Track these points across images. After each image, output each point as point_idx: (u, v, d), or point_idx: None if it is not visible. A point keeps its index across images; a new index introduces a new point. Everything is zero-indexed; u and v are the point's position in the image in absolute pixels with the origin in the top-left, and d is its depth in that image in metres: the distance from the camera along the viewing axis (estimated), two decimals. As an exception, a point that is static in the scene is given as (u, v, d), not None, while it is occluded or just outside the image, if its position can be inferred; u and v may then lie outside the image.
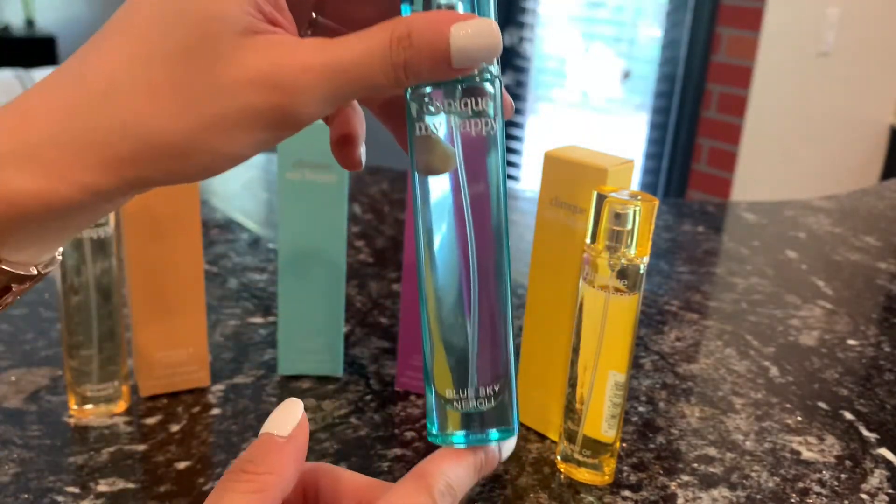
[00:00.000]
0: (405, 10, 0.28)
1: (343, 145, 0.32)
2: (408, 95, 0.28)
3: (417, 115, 0.28)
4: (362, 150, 0.32)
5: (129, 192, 0.26)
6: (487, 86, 0.28)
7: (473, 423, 0.30)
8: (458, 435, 0.30)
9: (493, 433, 0.30)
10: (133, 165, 0.25)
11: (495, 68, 0.29)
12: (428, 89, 0.28)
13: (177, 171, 0.26)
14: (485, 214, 0.29)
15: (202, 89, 0.25)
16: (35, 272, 0.27)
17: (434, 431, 0.30)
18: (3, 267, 0.26)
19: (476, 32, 0.26)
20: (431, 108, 0.28)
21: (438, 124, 0.28)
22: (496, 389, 0.30)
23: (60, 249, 0.29)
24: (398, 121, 0.32)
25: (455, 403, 0.30)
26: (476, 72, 0.28)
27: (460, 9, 0.28)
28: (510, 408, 0.30)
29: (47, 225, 0.25)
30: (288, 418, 0.29)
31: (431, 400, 0.30)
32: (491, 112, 0.28)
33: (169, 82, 0.24)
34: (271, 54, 0.25)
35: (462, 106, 0.28)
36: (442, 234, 0.29)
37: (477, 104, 0.28)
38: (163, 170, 0.25)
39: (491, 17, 0.28)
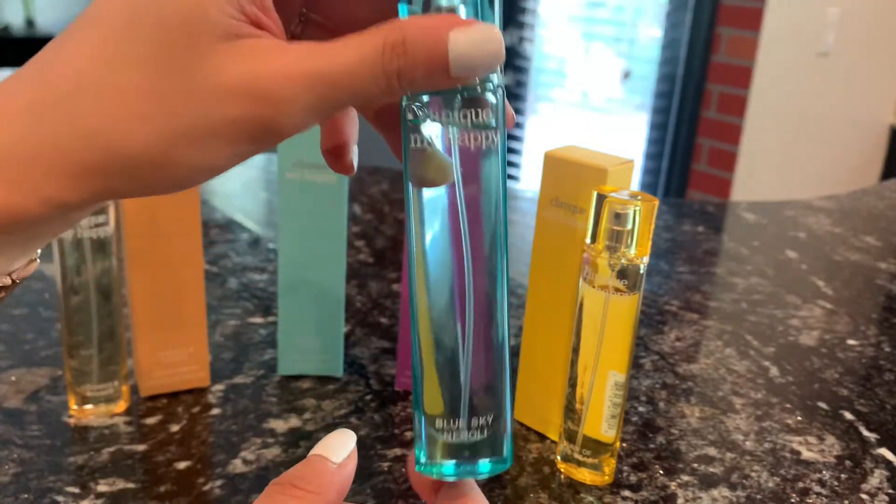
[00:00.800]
0: (402, 10, 0.26)
1: (333, 152, 0.30)
2: (403, 104, 0.26)
3: (413, 126, 0.26)
4: (354, 154, 0.31)
5: (96, 202, 0.24)
6: (489, 96, 0.26)
7: (464, 453, 0.28)
8: (448, 466, 0.28)
9: (485, 464, 0.28)
10: (100, 176, 0.23)
11: (497, 77, 0.27)
12: (425, 98, 0.26)
13: (148, 182, 0.24)
14: (482, 234, 0.27)
15: (177, 96, 0.23)
16: (9, 281, 0.26)
17: (423, 460, 0.28)
18: None
19: (477, 39, 0.23)
20: (428, 119, 0.26)
21: (435, 135, 0.26)
22: (489, 420, 0.28)
23: (37, 254, 0.27)
24: (393, 129, 0.30)
25: (446, 434, 0.28)
26: (477, 80, 0.26)
27: (462, 12, 0.25)
28: (503, 437, 0.29)
29: (13, 236, 0.24)
30: (342, 446, 0.29)
31: (420, 427, 0.28)
32: (492, 123, 0.26)
33: (140, 87, 0.22)
34: (254, 61, 0.23)
35: (461, 117, 0.26)
36: (436, 254, 0.28)
37: (477, 115, 0.26)
38: (133, 181, 0.23)
39: (494, 23, 0.26)
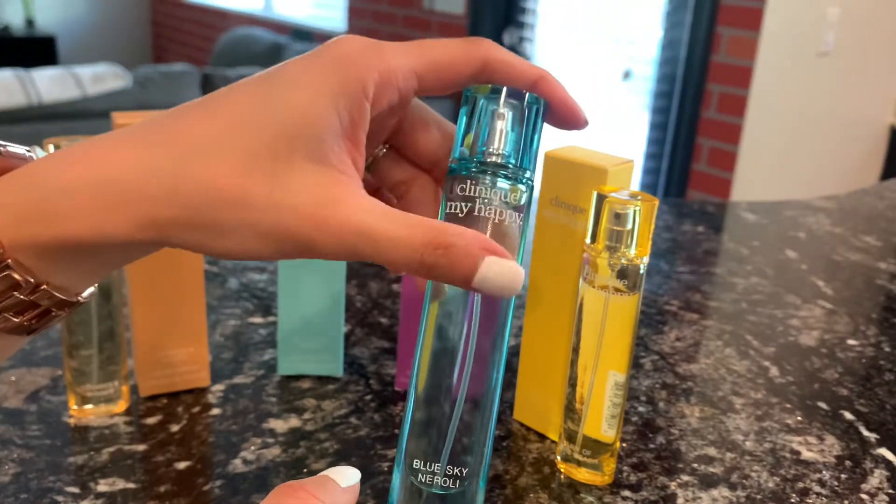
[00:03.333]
0: (459, 127, 0.32)
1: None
2: (443, 200, 0.31)
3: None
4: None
5: (159, 242, 0.28)
6: (525, 189, 0.31)
7: (434, 500, 0.30)
8: None
9: None
10: (174, 226, 0.27)
11: (532, 172, 0.32)
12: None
13: (200, 242, 0.28)
14: (493, 315, 0.30)
15: (259, 189, 0.27)
16: (76, 300, 0.29)
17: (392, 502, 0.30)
18: (52, 291, 0.27)
19: (503, 275, 0.27)
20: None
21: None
22: (463, 472, 0.30)
23: (94, 288, 0.31)
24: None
25: (421, 475, 0.30)
26: (513, 166, 0.31)
27: (509, 140, 0.31)
28: (475, 498, 0.30)
29: (94, 257, 0.28)
30: (351, 476, 0.31)
31: (396, 479, 0.31)
32: (523, 210, 0.31)
33: (235, 171, 0.27)
34: (329, 192, 0.28)
35: (500, 198, 0.31)
36: (446, 314, 0.31)
37: (510, 201, 0.31)
38: (191, 237, 0.28)
39: (533, 161, 0.32)
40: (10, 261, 0.26)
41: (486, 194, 0.30)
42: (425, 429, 0.30)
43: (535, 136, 0.32)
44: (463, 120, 0.32)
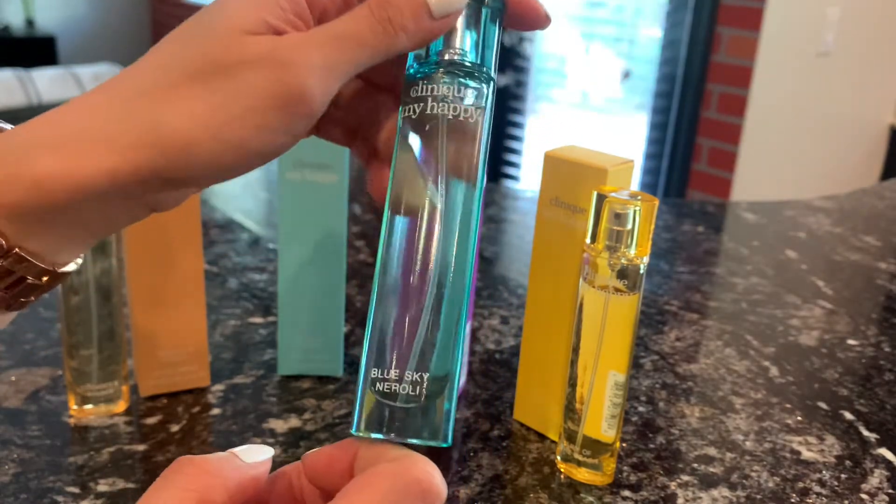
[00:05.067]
0: None
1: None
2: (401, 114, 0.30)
3: (408, 96, 0.30)
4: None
5: (143, 185, 0.27)
6: (480, 84, 0.30)
7: (396, 415, 0.27)
8: (378, 433, 0.27)
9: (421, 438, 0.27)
10: (149, 151, 0.26)
11: (492, 70, 0.30)
12: (419, 75, 0.30)
13: (189, 162, 0.27)
14: (456, 209, 0.29)
15: (212, 81, 0.26)
16: (54, 269, 0.28)
17: (358, 427, 0.27)
18: (26, 256, 0.27)
19: None
20: (422, 94, 0.30)
21: (427, 108, 0.29)
22: (423, 378, 0.27)
23: (80, 260, 0.30)
24: (374, 156, 0.34)
25: (380, 385, 0.27)
26: (469, 64, 0.30)
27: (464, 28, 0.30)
28: (443, 416, 0.27)
29: (67, 214, 0.27)
30: (254, 454, 0.29)
31: (358, 389, 0.28)
32: (481, 103, 0.30)
33: (184, 79, 0.27)
34: (272, 41, 0.27)
35: (454, 93, 0.29)
36: (408, 207, 0.30)
37: (466, 96, 0.29)
38: (175, 160, 0.27)
39: (493, 60, 0.31)
40: None
41: (438, 91, 0.29)
42: (383, 331, 0.28)
43: (494, 34, 0.31)
44: None
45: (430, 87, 0.30)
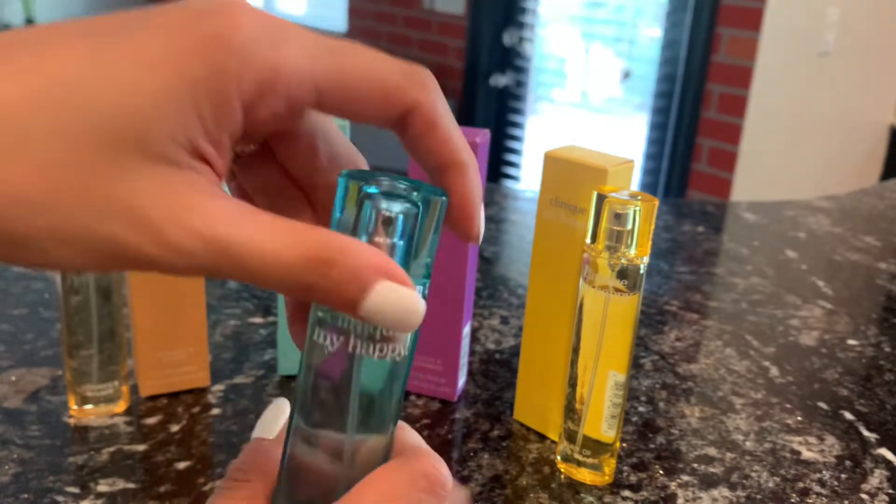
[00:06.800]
0: (334, 216, 0.24)
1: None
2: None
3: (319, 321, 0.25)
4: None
5: None
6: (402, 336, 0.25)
7: None
8: None
9: None
10: None
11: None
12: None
13: (9, 254, 0.21)
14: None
15: (74, 195, 0.20)
16: None
17: None
18: None
19: (398, 305, 0.22)
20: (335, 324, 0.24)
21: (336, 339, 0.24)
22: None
23: None
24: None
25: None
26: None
27: (395, 254, 0.23)
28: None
29: None
30: (275, 420, 0.29)
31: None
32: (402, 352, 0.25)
33: (67, 160, 0.20)
34: (176, 198, 0.21)
35: (369, 342, 0.24)
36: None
37: (384, 344, 0.24)
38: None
39: (422, 287, 0.24)
40: None
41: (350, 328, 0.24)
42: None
43: (430, 245, 0.25)
44: (341, 209, 0.24)
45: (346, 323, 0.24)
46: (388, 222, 0.23)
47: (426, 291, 0.25)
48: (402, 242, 0.24)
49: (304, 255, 0.21)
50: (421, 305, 0.23)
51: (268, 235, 0.22)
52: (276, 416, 0.29)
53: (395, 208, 0.23)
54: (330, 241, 0.22)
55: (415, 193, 0.24)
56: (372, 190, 0.23)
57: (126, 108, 0.20)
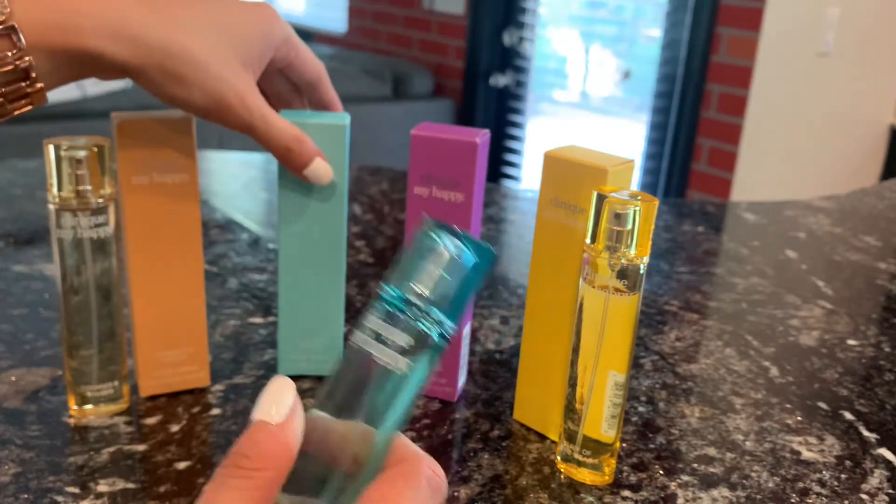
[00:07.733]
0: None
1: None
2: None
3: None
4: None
5: (131, 76, 0.43)
6: (435, 340, 0.28)
7: None
8: None
9: None
10: (151, 69, 0.43)
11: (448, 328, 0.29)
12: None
13: (166, 87, 0.44)
14: None
15: (222, 65, 0.46)
16: (35, 89, 0.40)
17: None
18: (29, 70, 0.40)
19: (323, 170, 0.51)
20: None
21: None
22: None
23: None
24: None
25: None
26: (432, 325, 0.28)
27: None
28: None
29: (76, 67, 0.42)
30: (280, 401, 0.27)
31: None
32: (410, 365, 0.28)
33: (217, 52, 0.46)
34: (248, 86, 0.47)
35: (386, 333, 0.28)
36: None
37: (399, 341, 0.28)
38: (159, 81, 0.44)
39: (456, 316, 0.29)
40: (14, 24, 0.38)
41: (372, 332, 0.28)
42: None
43: (469, 292, 0.29)
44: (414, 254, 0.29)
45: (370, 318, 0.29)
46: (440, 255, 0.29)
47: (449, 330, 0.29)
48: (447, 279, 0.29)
49: (291, 133, 0.49)
50: (331, 172, 0.52)
51: (278, 119, 0.48)
52: (281, 395, 0.27)
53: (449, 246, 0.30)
54: (301, 133, 0.50)
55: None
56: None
57: (246, 38, 0.47)
